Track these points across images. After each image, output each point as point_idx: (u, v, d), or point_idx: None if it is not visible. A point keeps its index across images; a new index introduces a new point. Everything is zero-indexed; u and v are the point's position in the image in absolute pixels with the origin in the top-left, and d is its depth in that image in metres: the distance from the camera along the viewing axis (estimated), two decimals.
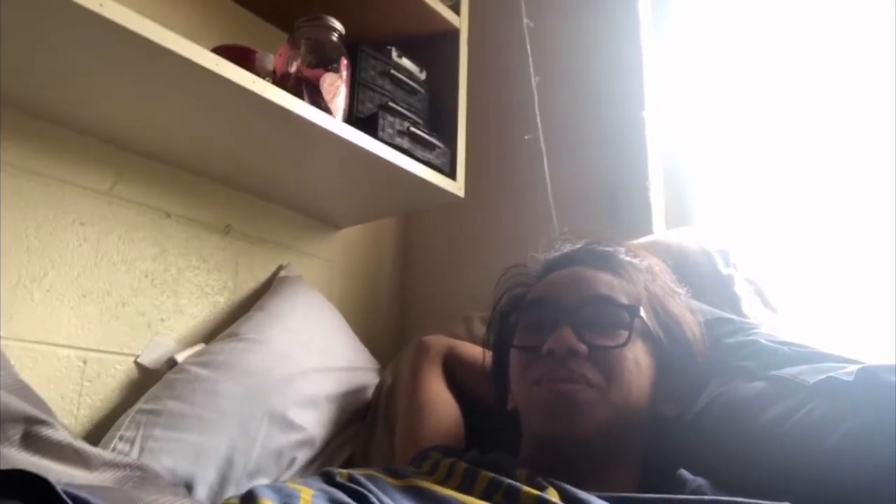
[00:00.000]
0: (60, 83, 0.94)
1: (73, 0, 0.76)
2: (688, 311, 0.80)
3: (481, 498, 0.62)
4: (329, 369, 1.16)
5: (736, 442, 0.71)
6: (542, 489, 0.62)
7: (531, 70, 1.42)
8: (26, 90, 0.96)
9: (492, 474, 0.66)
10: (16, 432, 0.76)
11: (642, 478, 0.74)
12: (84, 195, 1.06)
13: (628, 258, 0.80)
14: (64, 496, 0.39)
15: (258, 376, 1.06)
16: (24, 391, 0.82)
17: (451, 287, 1.53)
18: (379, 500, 0.60)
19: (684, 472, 0.68)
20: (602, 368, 0.71)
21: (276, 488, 0.60)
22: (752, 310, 0.92)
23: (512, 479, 0.65)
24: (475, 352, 0.99)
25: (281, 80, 1.04)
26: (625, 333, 0.72)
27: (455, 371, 1.01)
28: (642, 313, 0.74)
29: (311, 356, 1.15)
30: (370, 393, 1.20)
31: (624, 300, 0.74)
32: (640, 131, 1.31)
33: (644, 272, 0.79)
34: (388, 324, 1.57)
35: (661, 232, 1.24)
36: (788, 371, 0.72)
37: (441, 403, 0.96)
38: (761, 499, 0.59)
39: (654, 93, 1.34)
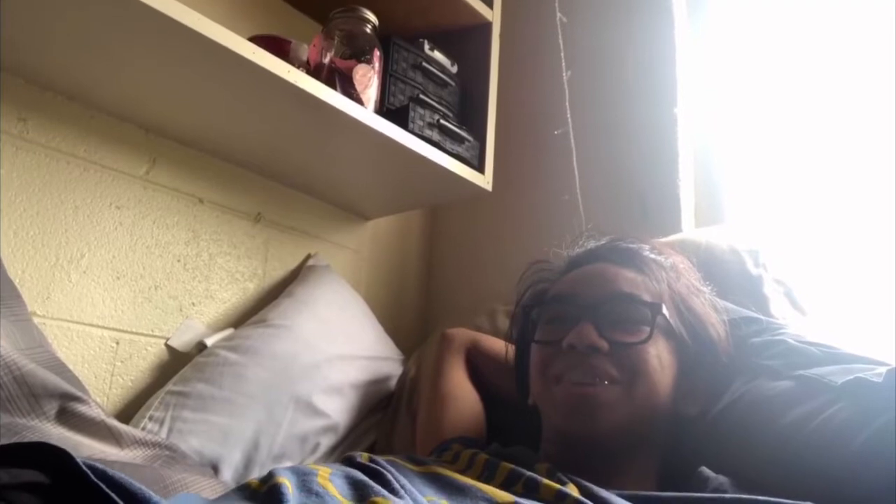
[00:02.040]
0: (99, 69, 0.97)
1: None
2: (712, 310, 0.79)
3: (501, 488, 0.62)
4: (354, 357, 1.18)
5: (759, 440, 0.70)
6: (563, 484, 0.62)
7: (563, 65, 1.41)
8: (66, 76, 0.99)
9: (512, 465, 0.67)
10: (52, 408, 0.78)
11: (662, 475, 0.74)
12: (120, 179, 1.09)
13: (652, 255, 0.79)
14: (83, 467, 0.40)
15: (285, 362, 1.08)
16: (61, 368, 0.84)
17: (476, 280, 1.53)
18: (396, 479, 0.60)
19: (705, 470, 0.68)
20: (624, 365, 0.71)
21: (295, 469, 0.60)
22: (780, 311, 0.90)
23: (532, 472, 0.65)
24: (498, 345, 0.99)
25: (314, 71, 1.05)
26: (646, 330, 0.72)
27: (478, 364, 1.02)
28: (665, 311, 0.73)
29: (337, 344, 1.17)
30: (394, 382, 1.21)
31: (646, 297, 0.74)
32: (672, 128, 1.30)
33: (668, 270, 0.78)
34: (412, 315, 1.58)
35: (690, 230, 1.23)
36: (816, 371, 0.71)
37: (463, 395, 0.97)
38: (784, 498, 0.59)
39: (686, 90, 1.33)
